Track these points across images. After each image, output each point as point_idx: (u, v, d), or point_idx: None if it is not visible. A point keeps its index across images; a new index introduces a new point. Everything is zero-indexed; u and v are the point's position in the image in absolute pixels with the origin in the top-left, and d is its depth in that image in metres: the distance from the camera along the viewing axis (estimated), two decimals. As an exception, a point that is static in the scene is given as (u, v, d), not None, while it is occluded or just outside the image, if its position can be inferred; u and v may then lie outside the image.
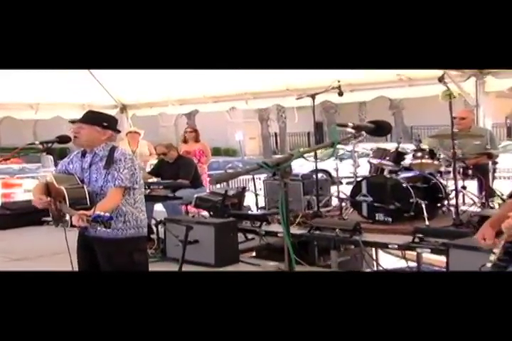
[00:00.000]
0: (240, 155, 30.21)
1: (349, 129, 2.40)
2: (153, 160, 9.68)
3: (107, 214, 3.36)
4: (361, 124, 2.46)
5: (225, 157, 29.02)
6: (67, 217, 3.58)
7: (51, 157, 27.74)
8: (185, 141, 10.08)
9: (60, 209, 3.68)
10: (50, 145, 3.87)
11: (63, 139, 3.98)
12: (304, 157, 2.18)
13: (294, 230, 6.32)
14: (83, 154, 4.00)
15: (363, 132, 2.41)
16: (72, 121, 3.97)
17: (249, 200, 8.33)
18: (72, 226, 3.59)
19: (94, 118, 3.93)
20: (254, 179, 9.09)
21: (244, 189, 8.15)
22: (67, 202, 3.63)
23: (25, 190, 14.68)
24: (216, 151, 31.68)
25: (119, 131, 4.20)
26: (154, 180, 8.26)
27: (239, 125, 32.67)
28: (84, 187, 3.76)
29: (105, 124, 3.92)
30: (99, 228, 3.38)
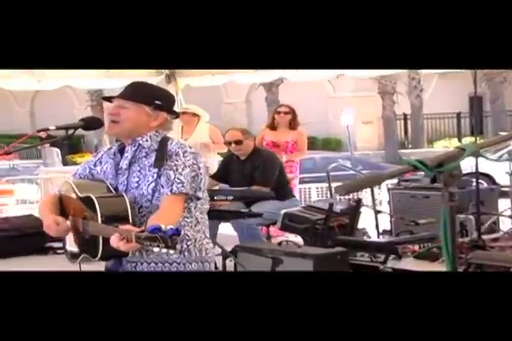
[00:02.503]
0: (349, 149, 30.13)
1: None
2: (218, 156, 9.73)
3: (172, 227, 3.22)
4: None
5: (324, 151, 29.01)
6: (100, 242, 3.57)
7: (57, 150, 28.08)
8: (273, 127, 9.91)
9: (85, 229, 3.68)
10: (72, 132, 3.87)
11: (91, 123, 3.99)
12: (480, 154, 2.16)
13: (438, 267, 6.30)
14: (120, 150, 3.99)
15: None
16: (108, 98, 3.98)
17: (365, 220, 8.32)
18: (102, 258, 3.64)
19: (142, 94, 3.93)
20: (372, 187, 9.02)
21: (359, 202, 8.06)
22: (99, 217, 3.60)
23: (18, 200, 14.96)
24: (310, 143, 31.74)
25: (177, 116, 4.22)
26: (217, 187, 8.18)
27: (347, 102, 32.57)
28: (125, 195, 3.76)
29: (158, 103, 3.92)
30: (155, 249, 3.21)
